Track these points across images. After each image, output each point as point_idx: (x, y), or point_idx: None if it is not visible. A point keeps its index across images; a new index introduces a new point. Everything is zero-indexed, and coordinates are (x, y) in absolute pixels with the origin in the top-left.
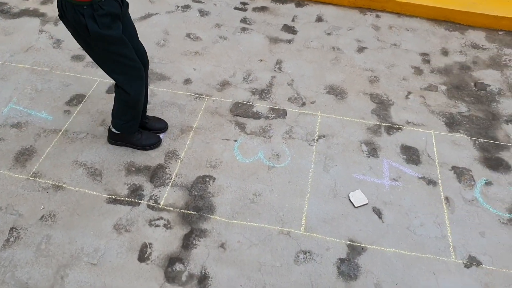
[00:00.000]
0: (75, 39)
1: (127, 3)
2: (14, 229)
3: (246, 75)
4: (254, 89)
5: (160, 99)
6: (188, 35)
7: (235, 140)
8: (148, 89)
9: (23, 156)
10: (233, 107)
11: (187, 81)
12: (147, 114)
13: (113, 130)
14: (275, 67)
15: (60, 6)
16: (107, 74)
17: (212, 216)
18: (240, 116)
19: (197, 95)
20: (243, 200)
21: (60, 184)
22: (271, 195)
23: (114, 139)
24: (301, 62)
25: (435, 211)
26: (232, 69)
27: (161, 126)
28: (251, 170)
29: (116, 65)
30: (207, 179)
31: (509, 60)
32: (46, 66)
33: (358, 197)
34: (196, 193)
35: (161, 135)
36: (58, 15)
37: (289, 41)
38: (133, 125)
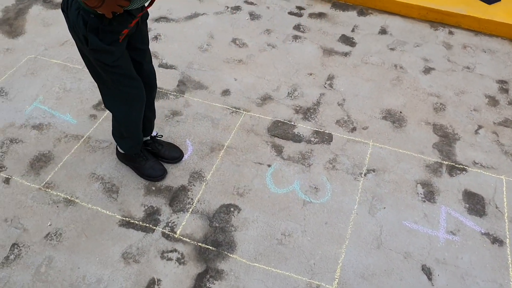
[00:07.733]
0: (70, 34)
1: (148, 14)
2: (16, 246)
3: (291, 90)
4: (299, 106)
5: (193, 111)
6: (233, 41)
7: (269, 166)
8: (177, 101)
9: (39, 163)
10: (272, 125)
11: (226, 93)
12: (164, 140)
13: (118, 148)
14: (325, 83)
15: None
16: (98, 86)
17: (231, 255)
18: (278, 137)
19: (234, 109)
20: (269, 239)
21: (72, 198)
22: (303, 238)
23: (118, 157)
24: (356, 79)
25: (499, 279)
26: (277, 82)
27: (175, 155)
28: (283, 203)
29: (110, 79)
30: (232, 209)
31: None
32: (79, 63)
33: None
34: (217, 225)
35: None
36: (61, 6)
37: (346, 54)
38: (132, 145)
